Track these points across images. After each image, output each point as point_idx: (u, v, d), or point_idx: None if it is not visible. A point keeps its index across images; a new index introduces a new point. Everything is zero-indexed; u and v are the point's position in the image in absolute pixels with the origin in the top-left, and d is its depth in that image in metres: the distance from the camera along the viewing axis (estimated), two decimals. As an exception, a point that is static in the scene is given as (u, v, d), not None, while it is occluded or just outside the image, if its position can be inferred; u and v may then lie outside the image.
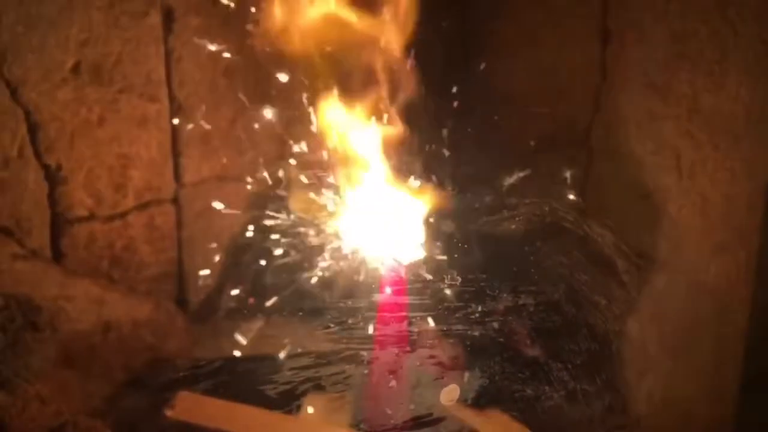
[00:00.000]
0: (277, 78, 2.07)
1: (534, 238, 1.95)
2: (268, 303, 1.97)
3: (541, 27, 2.15)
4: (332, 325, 1.85)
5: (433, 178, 2.05)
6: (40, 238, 1.87)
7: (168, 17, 1.99)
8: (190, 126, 2.08)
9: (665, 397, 1.87)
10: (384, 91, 2.02)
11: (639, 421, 1.90)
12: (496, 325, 1.80)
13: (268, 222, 2.05)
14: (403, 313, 1.85)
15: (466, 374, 1.78)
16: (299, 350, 1.80)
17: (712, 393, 1.79)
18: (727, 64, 1.69)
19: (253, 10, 2.03)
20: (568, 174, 2.05)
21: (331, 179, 2.06)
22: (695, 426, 1.82)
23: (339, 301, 1.91)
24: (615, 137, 1.97)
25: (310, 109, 2.07)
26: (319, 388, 1.77)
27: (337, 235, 1.99)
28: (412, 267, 1.90)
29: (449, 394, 1.78)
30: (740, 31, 1.65)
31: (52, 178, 1.88)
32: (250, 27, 2.03)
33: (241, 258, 2.07)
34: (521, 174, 2.03)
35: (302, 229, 1.99)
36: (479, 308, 1.83)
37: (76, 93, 1.87)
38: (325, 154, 2.08)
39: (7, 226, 1.81)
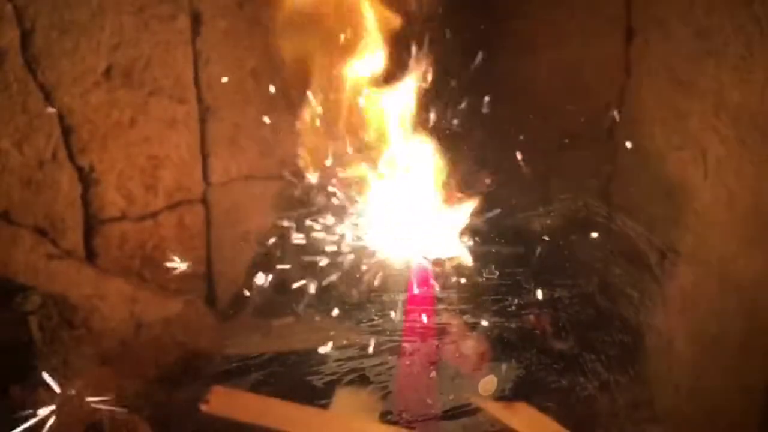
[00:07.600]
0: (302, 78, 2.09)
1: (568, 232, 1.97)
2: (298, 299, 2.00)
3: (564, 24, 2.16)
4: (375, 319, 1.87)
5: (465, 176, 2.07)
6: (74, 238, 1.91)
7: (196, 21, 2.02)
8: (218, 127, 2.11)
9: (692, 390, 1.87)
10: (410, 89, 2.04)
11: (666, 414, 1.91)
12: (532, 317, 1.83)
13: (296, 220, 2.07)
14: (433, 307, 1.87)
15: (504, 366, 1.80)
16: (344, 342, 1.83)
17: (739, 386, 1.79)
18: (753, 59, 1.68)
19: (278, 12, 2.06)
20: (595, 170, 2.06)
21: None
22: (722, 419, 1.82)
23: (369, 297, 1.93)
24: (640, 133, 1.98)
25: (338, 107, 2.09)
26: (363, 379, 1.81)
27: (367, 232, 2.00)
28: (451, 262, 1.92)
29: (487, 385, 1.80)
30: (766, 26, 1.65)
31: (85, 179, 1.92)
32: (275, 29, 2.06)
33: (270, 255, 2.09)
34: (549, 170, 2.05)
35: (331, 226, 2.01)
36: (516, 301, 1.86)
37: (108, 96, 1.91)
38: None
39: (43, 227, 1.86)
